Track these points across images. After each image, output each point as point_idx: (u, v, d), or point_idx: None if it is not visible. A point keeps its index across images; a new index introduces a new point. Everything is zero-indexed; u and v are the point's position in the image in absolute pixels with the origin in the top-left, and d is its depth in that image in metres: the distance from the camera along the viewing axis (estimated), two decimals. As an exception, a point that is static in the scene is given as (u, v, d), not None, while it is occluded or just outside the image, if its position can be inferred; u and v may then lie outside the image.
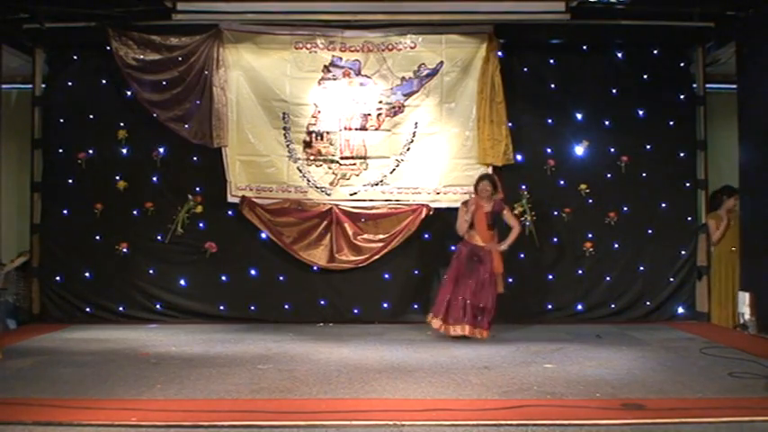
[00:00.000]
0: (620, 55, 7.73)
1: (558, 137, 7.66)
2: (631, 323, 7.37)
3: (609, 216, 7.59)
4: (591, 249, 7.59)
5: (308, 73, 7.53)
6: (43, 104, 7.68)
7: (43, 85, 7.71)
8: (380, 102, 7.54)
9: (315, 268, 7.50)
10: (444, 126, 7.52)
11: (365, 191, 7.54)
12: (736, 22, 7.10)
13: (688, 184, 7.69)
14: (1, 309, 7.29)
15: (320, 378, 4.87)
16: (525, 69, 7.70)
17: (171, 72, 7.37)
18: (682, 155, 7.68)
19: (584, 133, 7.64)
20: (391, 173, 7.54)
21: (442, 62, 7.50)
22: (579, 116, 7.66)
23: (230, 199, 7.48)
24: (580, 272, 7.61)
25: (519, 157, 7.50)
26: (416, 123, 7.52)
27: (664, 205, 7.65)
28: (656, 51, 7.70)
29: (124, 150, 7.61)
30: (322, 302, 7.59)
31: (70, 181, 7.59)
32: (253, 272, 7.60)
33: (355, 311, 7.58)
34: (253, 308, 7.59)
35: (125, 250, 7.54)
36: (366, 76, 7.55)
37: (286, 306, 7.57)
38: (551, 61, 7.70)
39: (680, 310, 7.60)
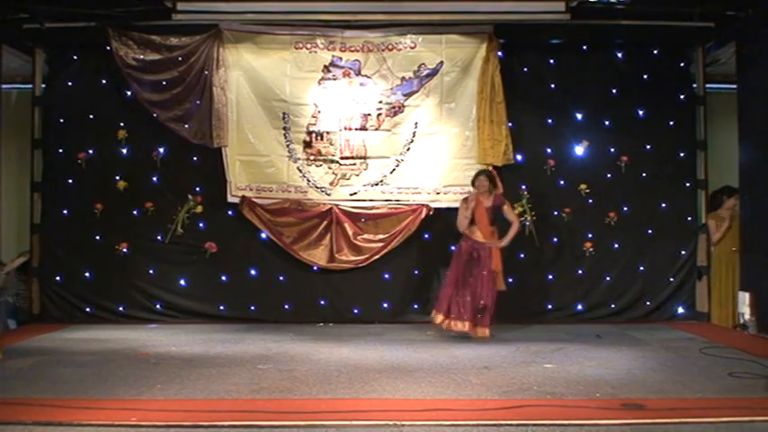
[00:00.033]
0: (620, 55, 7.73)
1: (558, 137, 7.66)
2: (631, 323, 7.37)
3: (609, 216, 7.59)
4: (591, 249, 7.59)
5: (308, 73, 7.53)
6: (43, 104, 7.68)
7: (43, 85, 7.71)
8: (380, 102, 7.54)
9: (315, 268, 7.50)
10: (444, 126, 7.52)
11: (365, 191, 7.54)
12: (736, 22, 7.10)
13: (688, 184, 7.69)
14: (2, 309, 7.28)
15: (320, 378, 4.87)
16: (525, 69, 7.70)
17: (171, 72, 7.37)
18: (682, 155, 7.68)
19: (584, 133, 7.64)
20: (391, 173, 7.54)
21: (441, 62, 7.50)
22: (579, 116, 7.66)
23: (230, 199, 7.48)
24: (580, 272, 7.61)
25: (519, 157, 7.50)
26: (416, 123, 7.52)
27: (664, 205, 7.65)
28: (656, 51, 7.70)
29: (124, 150, 7.61)
30: (322, 302, 7.59)
31: (70, 181, 7.59)
32: (253, 272, 7.60)
33: (355, 311, 7.58)
34: (253, 308, 7.59)
35: (125, 250, 7.54)
36: (366, 76, 7.55)
37: (286, 306, 7.57)
38: (551, 61, 7.70)
39: (680, 310, 7.60)
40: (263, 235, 7.51)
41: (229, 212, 7.53)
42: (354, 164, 7.54)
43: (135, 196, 7.55)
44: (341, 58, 7.54)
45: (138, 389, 4.55)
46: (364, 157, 7.53)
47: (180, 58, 7.36)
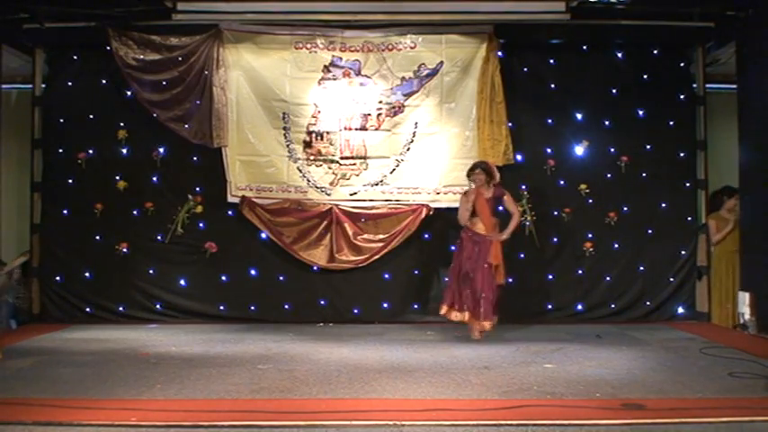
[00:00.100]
0: (620, 55, 7.73)
1: (558, 137, 7.66)
2: (631, 323, 7.37)
3: (609, 216, 7.59)
4: (591, 249, 7.59)
5: (308, 73, 7.53)
6: (43, 104, 7.68)
7: (43, 85, 7.70)
8: (380, 102, 7.54)
9: (315, 268, 7.50)
10: (444, 126, 7.52)
11: (365, 191, 7.54)
12: (736, 22, 7.10)
13: (688, 184, 7.69)
14: (4, 309, 7.28)
15: (320, 378, 4.87)
16: (525, 69, 7.70)
17: (171, 72, 7.37)
18: (682, 155, 7.68)
19: (584, 133, 7.64)
20: (391, 173, 7.54)
21: (441, 62, 7.50)
22: (579, 116, 7.66)
23: (230, 199, 7.48)
24: (580, 272, 7.61)
25: (519, 157, 7.50)
26: (416, 123, 7.52)
27: (664, 205, 7.65)
28: (656, 51, 7.70)
29: (124, 150, 7.62)
30: (322, 302, 7.59)
31: (70, 181, 7.59)
32: (253, 272, 7.60)
33: (355, 311, 7.58)
34: (253, 308, 7.59)
35: (125, 250, 7.54)
36: (366, 76, 7.55)
37: (286, 306, 7.57)
38: (551, 61, 7.70)
39: (680, 310, 7.60)
40: (263, 235, 7.51)
41: (229, 212, 7.53)
42: (354, 164, 7.54)
43: (135, 196, 7.55)
44: (341, 58, 7.54)
45: (138, 389, 4.55)
46: (364, 157, 7.53)
47: (180, 58, 7.36)
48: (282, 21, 7.45)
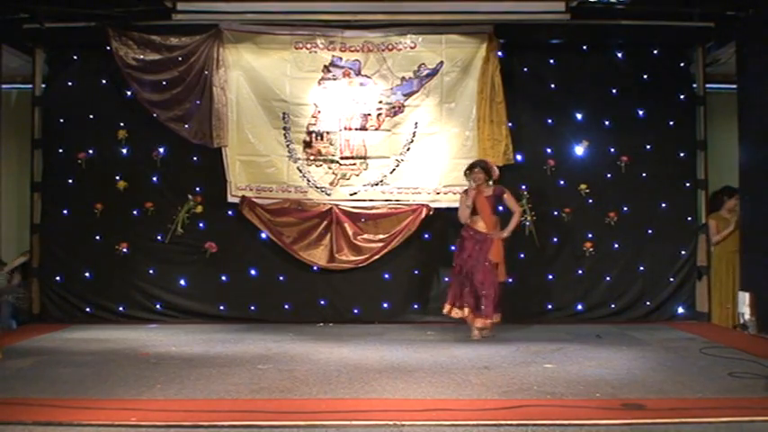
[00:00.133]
0: (620, 55, 7.73)
1: (558, 137, 7.66)
2: (631, 323, 7.37)
3: (609, 216, 7.59)
4: (591, 249, 7.59)
5: (308, 73, 7.53)
6: (43, 104, 7.68)
7: (43, 85, 7.70)
8: (380, 102, 7.54)
9: (315, 268, 7.50)
10: (444, 126, 7.52)
11: (365, 191, 7.54)
12: (736, 22, 7.10)
13: (688, 184, 7.68)
14: (6, 309, 7.28)
15: (320, 378, 4.87)
16: (525, 69, 7.70)
17: (171, 72, 7.37)
18: (682, 155, 7.68)
19: (584, 133, 7.64)
20: (391, 173, 7.54)
21: (441, 62, 7.49)
22: (579, 116, 7.65)
23: (230, 199, 7.48)
24: (580, 272, 7.61)
25: (519, 157, 7.50)
26: (416, 123, 7.52)
27: (664, 205, 7.65)
28: (656, 51, 7.70)
29: (124, 150, 7.62)
30: (322, 302, 7.59)
31: (70, 181, 7.59)
32: (253, 272, 7.60)
33: (355, 311, 7.58)
34: (253, 308, 7.59)
35: (125, 250, 7.54)
36: (366, 76, 7.55)
37: (286, 306, 7.57)
38: (551, 61, 7.70)
39: (680, 310, 7.59)
40: (263, 235, 7.51)
41: (229, 212, 7.53)
42: (354, 164, 7.54)
43: (135, 196, 7.55)
44: (341, 58, 7.54)
45: (138, 389, 4.55)
46: (364, 157, 7.53)
47: (180, 58, 7.36)
48: (282, 21, 7.45)
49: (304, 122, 7.52)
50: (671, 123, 7.67)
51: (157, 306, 7.55)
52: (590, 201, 7.60)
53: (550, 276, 7.60)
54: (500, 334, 6.59)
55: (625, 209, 7.63)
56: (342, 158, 7.53)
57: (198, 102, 7.39)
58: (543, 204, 7.58)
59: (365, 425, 3.77)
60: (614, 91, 7.68)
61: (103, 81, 7.62)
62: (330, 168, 7.54)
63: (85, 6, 7.09)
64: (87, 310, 7.51)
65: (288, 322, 7.38)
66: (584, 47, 7.72)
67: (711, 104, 7.80)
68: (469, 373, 5.04)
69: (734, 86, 7.31)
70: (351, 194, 7.53)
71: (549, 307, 7.58)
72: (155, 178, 7.59)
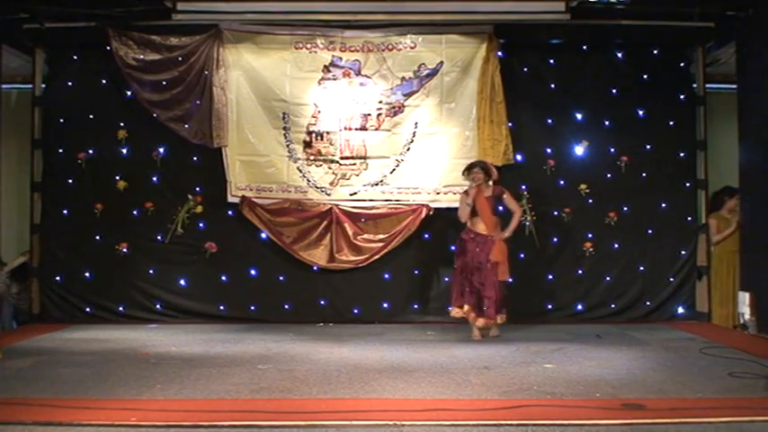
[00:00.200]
0: (620, 55, 7.72)
1: (558, 137, 7.66)
2: (631, 323, 7.37)
3: (609, 216, 7.59)
4: (591, 249, 7.59)
5: (308, 73, 7.53)
6: (43, 104, 7.68)
7: (43, 85, 7.70)
8: (380, 102, 7.54)
9: (315, 268, 7.50)
10: (444, 126, 7.52)
11: (365, 191, 7.54)
12: (736, 22, 7.10)
13: (688, 184, 7.68)
14: (6, 309, 7.28)
15: (320, 378, 4.87)
16: (525, 69, 7.69)
17: (171, 72, 7.37)
18: (682, 155, 7.68)
19: (584, 133, 7.64)
20: (391, 173, 7.54)
21: (442, 62, 7.49)
22: (579, 116, 7.65)
23: (230, 199, 7.48)
24: (580, 272, 7.61)
25: (519, 157, 7.50)
26: (416, 123, 7.52)
27: (664, 205, 7.64)
28: (656, 51, 7.69)
29: (124, 150, 7.61)
30: (322, 302, 7.59)
31: (70, 181, 7.58)
32: (253, 272, 7.60)
33: (355, 311, 7.58)
34: (253, 308, 7.59)
35: (125, 250, 7.54)
36: (366, 76, 7.55)
37: (286, 306, 7.57)
38: (551, 61, 7.69)
39: (680, 310, 7.59)
40: (263, 235, 7.51)
41: (229, 212, 7.53)
42: (354, 164, 7.54)
43: (135, 196, 7.54)
44: (341, 58, 7.54)
45: (138, 389, 4.55)
46: (364, 157, 7.53)
47: (180, 58, 7.36)
48: (282, 21, 7.45)
49: (304, 122, 7.52)
50: (671, 123, 7.67)
51: (157, 306, 7.55)
52: (590, 201, 7.60)
53: (550, 276, 7.59)
54: (501, 334, 6.58)
55: (625, 209, 7.63)
56: (342, 158, 7.53)
57: (198, 102, 7.39)
58: (543, 204, 7.58)
59: (365, 425, 3.77)
60: (614, 91, 7.68)
61: (103, 81, 7.62)
62: (330, 168, 7.54)
63: (85, 6, 7.09)
64: (87, 310, 7.51)
65: (288, 322, 7.37)
66: (585, 47, 7.72)
67: (711, 104, 7.80)
68: (469, 373, 5.04)
69: (734, 86, 7.31)
70: (351, 194, 7.53)
71: (549, 307, 7.58)
72: (155, 178, 7.59)
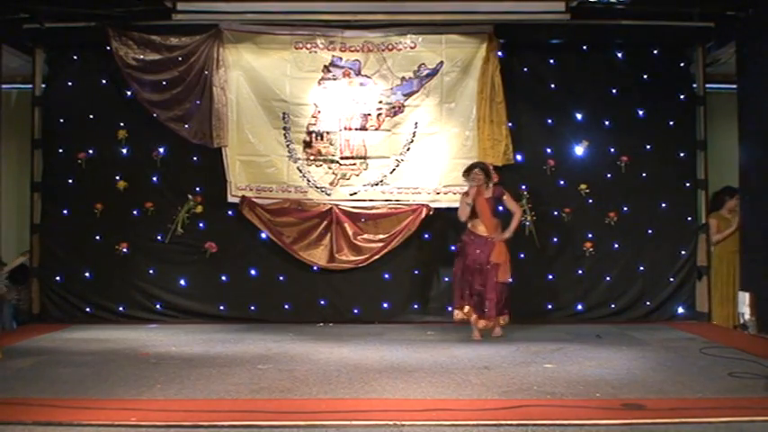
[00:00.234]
0: (620, 55, 7.72)
1: (558, 137, 7.66)
2: (631, 323, 7.37)
3: (609, 216, 7.59)
4: (591, 249, 7.59)
5: (308, 73, 7.53)
6: (43, 104, 7.68)
7: (43, 85, 7.70)
8: (380, 102, 7.54)
9: (315, 268, 7.50)
10: (444, 126, 7.52)
11: (365, 191, 7.54)
12: (736, 22, 7.10)
13: (688, 184, 7.68)
14: (7, 309, 7.27)
15: (320, 378, 4.87)
16: (525, 69, 7.69)
17: (171, 72, 7.37)
18: (682, 155, 7.68)
19: (584, 133, 7.64)
20: (391, 173, 7.54)
21: (442, 62, 7.50)
22: (579, 116, 7.65)
23: (230, 199, 7.48)
24: (580, 272, 7.61)
25: (519, 157, 7.50)
26: (416, 123, 7.52)
27: (664, 205, 7.65)
28: (656, 51, 7.69)
29: (124, 150, 7.61)
30: (322, 302, 7.59)
31: (70, 181, 7.59)
32: (253, 272, 7.60)
33: (355, 311, 7.58)
34: (253, 308, 7.59)
35: (125, 250, 7.54)
36: (366, 76, 7.55)
37: (286, 306, 7.57)
38: (551, 61, 7.70)
39: (680, 310, 7.59)
40: (263, 235, 7.51)
41: (229, 212, 7.53)
42: (354, 164, 7.54)
43: (135, 196, 7.55)
44: (341, 58, 7.54)
45: (138, 389, 4.55)
46: (364, 157, 7.53)
47: (180, 58, 7.36)
48: (282, 21, 7.45)
49: (304, 122, 7.52)
50: (671, 123, 7.67)
51: (157, 306, 7.55)
52: (590, 201, 7.60)
53: (550, 276, 7.59)
54: (505, 334, 6.58)
55: (625, 209, 7.63)
56: (342, 158, 7.53)
57: (198, 102, 7.39)
58: (543, 204, 7.58)
59: (365, 425, 3.77)
60: (614, 91, 7.68)
61: (103, 81, 7.62)
62: (330, 168, 7.54)
63: (85, 6, 7.09)
64: (87, 310, 7.51)
65: (288, 322, 7.37)
66: (585, 47, 7.72)
67: (711, 104, 7.80)
68: (469, 373, 5.04)
69: (734, 86, 7.31)
70: (351, 194, 7.53)
71: (550, 307, 7.58)
72: (155, 178, 7.59)
